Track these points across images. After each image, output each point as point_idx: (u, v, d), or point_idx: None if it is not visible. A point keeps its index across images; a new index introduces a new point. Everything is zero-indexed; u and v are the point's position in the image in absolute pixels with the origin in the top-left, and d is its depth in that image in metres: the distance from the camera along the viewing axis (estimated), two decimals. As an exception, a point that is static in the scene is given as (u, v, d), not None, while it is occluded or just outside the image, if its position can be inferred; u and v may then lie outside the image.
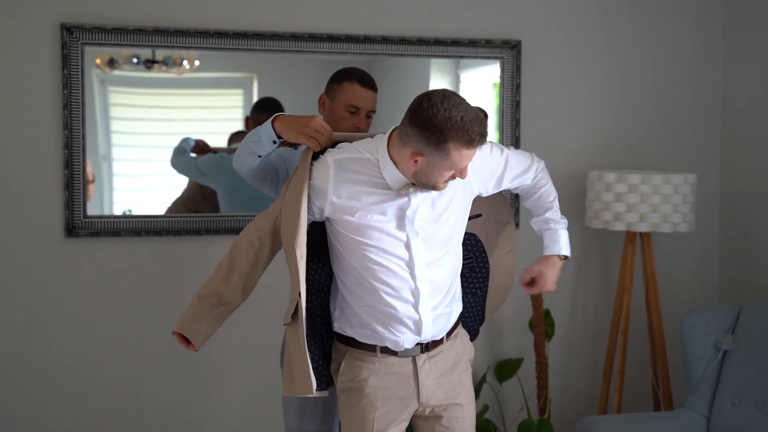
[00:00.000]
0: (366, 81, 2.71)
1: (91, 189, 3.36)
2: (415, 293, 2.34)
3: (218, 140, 3.51)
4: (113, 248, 3.40)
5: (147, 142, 3.49)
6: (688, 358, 3.30)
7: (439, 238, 2.35)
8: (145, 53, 3.39)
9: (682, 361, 3.47)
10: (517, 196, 3.55)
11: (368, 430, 2.39)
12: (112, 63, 3.36)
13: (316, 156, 2.36)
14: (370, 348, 2.39)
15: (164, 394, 3.51)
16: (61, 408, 3.41)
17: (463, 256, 2.52)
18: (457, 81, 3.73)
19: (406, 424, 2.46)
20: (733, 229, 3.93)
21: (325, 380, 2.46)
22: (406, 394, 2.41)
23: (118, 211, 3.43)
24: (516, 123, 3.71)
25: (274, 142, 2.45)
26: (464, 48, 3.63)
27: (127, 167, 3.48)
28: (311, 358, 2.38)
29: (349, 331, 2.41)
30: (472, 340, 2.61)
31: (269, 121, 2.42)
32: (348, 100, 2.68)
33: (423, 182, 2.25)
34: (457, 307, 2.48)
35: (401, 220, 2.30)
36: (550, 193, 2.58)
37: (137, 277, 3.44)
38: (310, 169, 2.33)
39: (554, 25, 3.78)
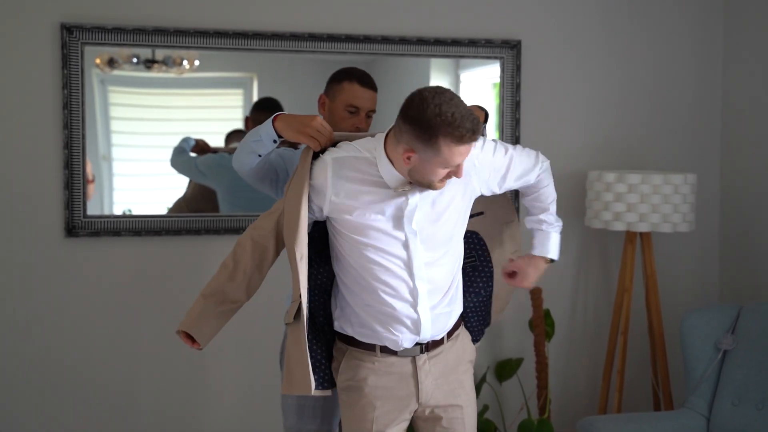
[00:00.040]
0: (366, 81, 2.70)
1: (91, 189, 3.36)
2: (414, 293, 2.33)
3: (218, 140, 3.51)
4: (113, 248, 3.40)
5: (147, 142, 3.49)
6: (688, 358, 3.30)
7: (439, 238, 2.34)
8: (145, 53, 3.38)
9: (682, 361, 3.47)
10: (517, 193, 3.55)
11: (368, 430, 2.39)
12: (111, 63, 3.36)
13: (316, 156, 2.36)
14: (370, 347, 2.39)
15: (164, 393, 3.51)
16: (61, 408, 3.41)
17: (466, 255, 2.51)
18: (457, 81, 3.73)
19: (406, 424, 2.45)
20: (733, 229, 3.92)
21: (329, 380, 2.46)
22: (405, 394, 2.40)
23: (118, 211, 3.43)
24: (516, 123, 3.71)
25: (275, 142, 2.45)
26: (464, 48, 3.63)
27: (127, 167, 3.48)
28: (314, 357, 2.38)
29: (349, 330, 2.41)
30: (475, 342, 2.59)
31: (270, 120, 2.42)
32: (348, 100, 2.67)
33: (418, 181, 2.24)
34: (458, 307, 2.47)
35: (399, 220, 2.29)
36: (549, 194, 2.55)
37: (137, 276, 3.44)
38: (310, 169, 2.32)
39: (554, 25, 3.78)
